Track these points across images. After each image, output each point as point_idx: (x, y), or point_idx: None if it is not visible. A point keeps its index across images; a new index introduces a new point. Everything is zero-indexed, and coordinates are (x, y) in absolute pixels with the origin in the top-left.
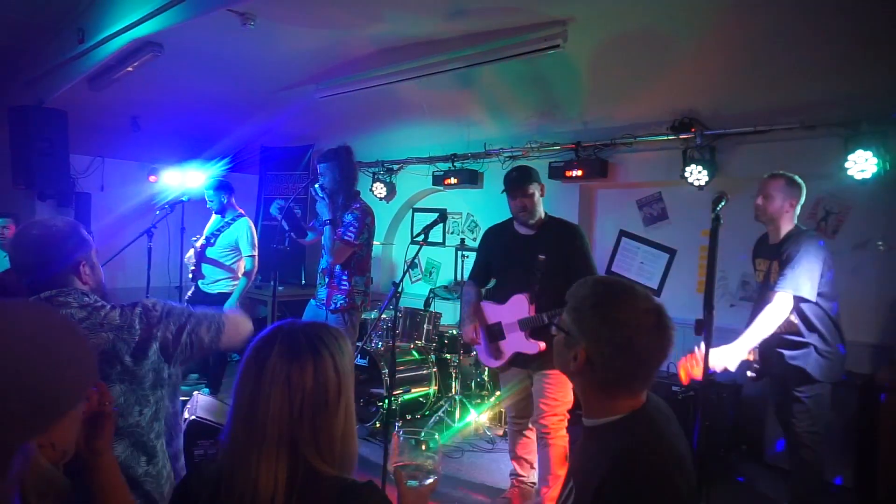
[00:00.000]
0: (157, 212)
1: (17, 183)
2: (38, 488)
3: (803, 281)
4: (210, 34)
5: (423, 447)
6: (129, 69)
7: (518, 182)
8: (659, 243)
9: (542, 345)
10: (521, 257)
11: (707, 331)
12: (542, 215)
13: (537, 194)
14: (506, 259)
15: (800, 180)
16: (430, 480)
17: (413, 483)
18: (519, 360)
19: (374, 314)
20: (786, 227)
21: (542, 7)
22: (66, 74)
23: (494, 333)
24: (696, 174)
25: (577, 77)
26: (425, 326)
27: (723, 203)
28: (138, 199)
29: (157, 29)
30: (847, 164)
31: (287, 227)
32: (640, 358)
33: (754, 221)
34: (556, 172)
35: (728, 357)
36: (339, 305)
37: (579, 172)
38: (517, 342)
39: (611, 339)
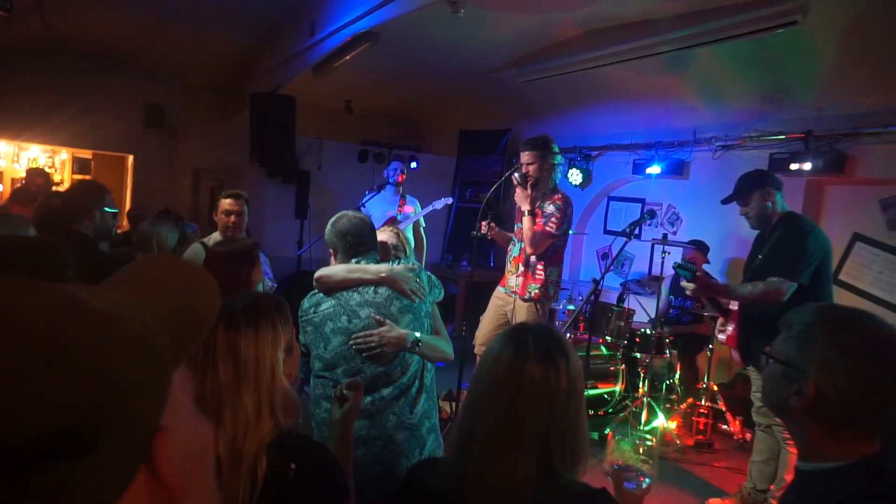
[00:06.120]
0: (367, 192)
1: (253, 160)
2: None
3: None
4: (420, 23)
5: (640, 449)
6: (348, 57)
7: (734, 195)
8: None
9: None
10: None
11: None
12: (773, 217)
13: (755, 204)
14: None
15: None
16: (647, 483)
17: (630, 486)
18: None
19: (560, 304)
20: None
21: None
22: (297, 64)
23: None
24: None
25: (813, 56)
26: (616, 322)
27: None
28: (349, 176)
29: (379, 22)
30: None
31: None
32: (881, 395)
33: None
34: (779, 165)
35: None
36: (532, 295)
37: (808, 166)
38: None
39: (849, 370)
